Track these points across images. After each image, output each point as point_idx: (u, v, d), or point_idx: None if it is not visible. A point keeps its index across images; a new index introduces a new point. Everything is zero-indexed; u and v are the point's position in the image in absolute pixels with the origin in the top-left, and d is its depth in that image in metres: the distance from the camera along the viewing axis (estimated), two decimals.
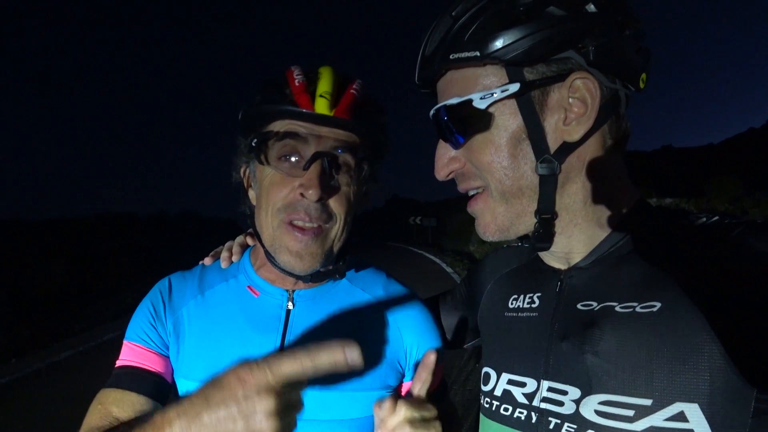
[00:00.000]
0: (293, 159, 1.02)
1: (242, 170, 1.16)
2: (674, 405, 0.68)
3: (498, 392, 0.96)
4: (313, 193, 0.99)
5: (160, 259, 18.45)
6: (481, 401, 1.02)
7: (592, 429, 0.76)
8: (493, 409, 0.96)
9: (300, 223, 1.02)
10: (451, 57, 0.82)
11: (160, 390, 1.09)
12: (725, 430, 0.65)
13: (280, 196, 1.02)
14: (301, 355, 0.76)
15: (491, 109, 0.81)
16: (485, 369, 1.03)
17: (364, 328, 1.14)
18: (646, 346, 0.72)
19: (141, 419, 0.85)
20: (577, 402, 0.80)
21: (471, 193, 0.91)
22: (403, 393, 1.19)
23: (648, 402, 0.71)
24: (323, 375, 1.05)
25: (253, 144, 1.03)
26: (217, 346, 1.09)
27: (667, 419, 0.69)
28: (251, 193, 1.14)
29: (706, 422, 0.66)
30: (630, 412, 0.72)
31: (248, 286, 1.15)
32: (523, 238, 0.91)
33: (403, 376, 1.17)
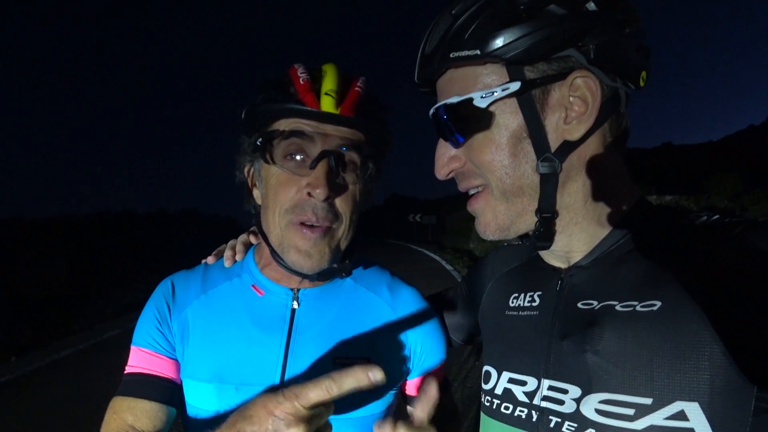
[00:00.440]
0: (299, 158, 1.01)
1: (246, 169, 1.15)
2: (674, 404, 0.68)
3: (499, 391, 0.96)
4: (320, 193, 0.98)
5: (160, 257, 18.45)
6: (482, 400, 1.02)
7: (592, 428, 0.76)
8: (494, 407, 0.96)
9: (308, 223, 1.02)
10: (451, 55, 0.81)
11: (173, 394, 1.10)
12: (726, 429, 0.65)
13: (288, 196, 1.02)
14: (326, 381, 0.77)
15: (492, 108, 0.81)
16: (486, 367, 1.03)
17: (368, 326, 1.14)
18: (646, 344, 0.72)
19: None
20: (578, 401, 0.80)
21: (471, 192, 0.91)
22: (406, 391, 1.20)
23: (648, 401, 0.71)
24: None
25: (258, 143, 1.02)
26: (222, 346, 1.09)
27: (668, 418, 0.69)
28: (256, 193, 1.14)
29: (706, 421, 0.66)
30: (630, 411, 0.72)
31: (252, 285, 1.15)
32: (524, 236, 0.91)
33: (407, 373, 1.17)
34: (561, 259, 0.93)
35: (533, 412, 0.88)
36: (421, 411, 0.85)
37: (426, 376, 1.17)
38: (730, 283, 0.67)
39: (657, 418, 0.70)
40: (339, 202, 1.04)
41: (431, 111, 0.88)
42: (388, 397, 1.12)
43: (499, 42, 0.77)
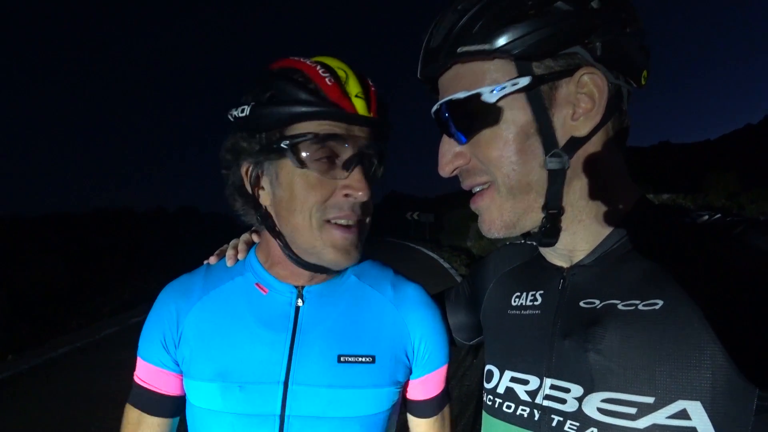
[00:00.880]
0: (330, 160, 1.00)
1: (245, 170, 1.08)
2: (676, 403, 0.68)
3: (501, 390, 0.96)
4: (363, 195, 1.00)
5: (158, 256, 18.44)
6: (484, 398, 1.02)
7: (594, 427, 0.77)
8: (496, 406, 0.96)
9: (344, 222, 1.02)
10: (458, 50, 0.81)
11: (177, 407, 1.17)
12: (727, 428, 0.65)
13: (321, 197, 1.00)
14: None
15: (500, 104, 0.81)
16: (488, 366, 1.03)
17: (372, 324, 1.14)
18: (648, 343, 0.73)
19: None
20: (580, 400, 0.80)
21: (476, 189, 0.90)
22: (408, 394, 1.21)
23: (650, 400, 0.71)
24: (333, 372, 1.04)
25: (284, 145, 0.98)
26: (225, 345, 1.09)
27: (670, 417, 0.69)
28: (263, 194, 1.08)
29: (708, 420, 0.66)
30: (632, 410, 0.72)
31: (256, 284, 1.14)
32: (526, 235, 0.91)
33: (410, 372, 1.17)
34: (563, 258, 0.93)
35: (535, 411, 0.88)
36: None
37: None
38: (731, 283, 0.66)
39: (659, 417, 0.70)
40: (368, 200, 1.04)
41: (435, 108, 0.87)
42: (392, 396, 1.12)
43: (507, 37, 0.77)
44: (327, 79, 0.97)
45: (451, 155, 0.87)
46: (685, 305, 0.71)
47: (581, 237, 0.88)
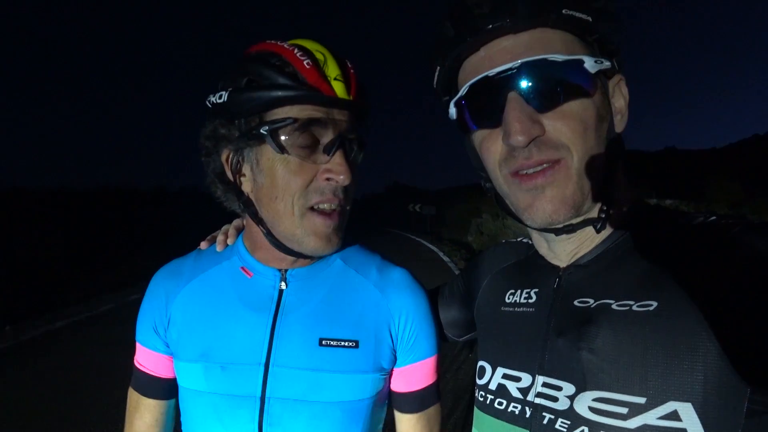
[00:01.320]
0: (311, 144, 1.00)
1: (225, 157, 1.07)
2: (668, 404, 0.69)
3: (493, 386, 0.97)
4: (344, 178, 0.99)
5: (158, 234, 18.46)
6: (476, 395, 1.02)
7: (585, 425, 0.77)
8: (488, 402, 0.97)
9: (326, 207, 1.02)
10: (564, 11, 0.78)
11: (171, 389, 1.21)
12: (718, 430, 0.66)
13: (302, 183, 1.00)
14: None
15: (595, 78, 0.81)
16: (480, 363, 1.04)
17: (356, 309, 1.13)
18: (641, 344, 0.73)
19: None
20: (572, 398, 0.80)
21: (539, 167, 0.81)
22: (392, 386, 1.18)
23: (642, 400, 0.71)
24: (314, 355, 1.04)
25: (263, 131, 0.97)
26: (209, 327, 1.11)
27: (661, 418, 0.69)
28: (245, 182, 1.07)
29: (699, 422, 0.67)
30: (624, 410, 0.73)
31: (242, 267, 1.16)
32: (577, 225, 0.87)
33: (395, 359, 1.16)
34: (562, 257, 0.93)
35: (527, 408, 0.88)
36: None
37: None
38: (726, 284, 0.67)
39: (650, 417, 0.70)
40: (350, 183, 1.03)
41: (514, 64, 0.78)
42: (377, 383, 1.12)
43: (605, 19, 0.80)
44: (305, 62, 0.96)
45: (529, 121, 0.78)
46: (679, 307, 0.71)
47: (587, 235, 0.88)
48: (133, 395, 1.22)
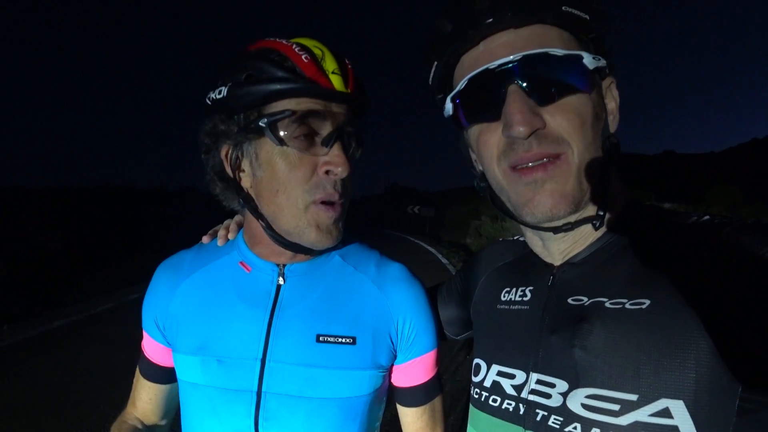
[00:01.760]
0: (310, 137, 1.01)
1: (225, 152, 1.07)
2: (659, 401, 0.69)
3: (487, 383, 0.97)
4: (342, 170, 1.00)
5: (157, 233, 18.44)
6: (471, 392, 1.03)
7: (578, 422, 0.78)
8: (483, 399, 0.97)
9: (329, 200, 1.03)
10: (563, 8, 0.79)
11: (167, 375, 1.25)
12: (709, 428, 0.67)
13: (304, 176, 1.01)
14: None
15: (592, 75, 0.82)
16: (476, 360, 1.04)
17: (354, 305, 1.14)
18: (634, 342, 0.74)
19: None
20: (565, 395, 0.81)
21: (539, 161, 0.81)
22: (395, 374, 1.19)
23: (634, 397, 0.72)
24: (311, 351, 1.05)
25: (262, 124, 0.99)
26: (207, 320, 1.12)
27: (652, 415, 0.70)
28: (245, 178, 1.08)
29: (690, 419, 0.67)
30: (616, 407, 0.73)
31: (240, 262, 1.17)
32: (575, 222, 0.87)
33: (395, 356, 1.16)
34: (557, 256, 0.94)
35: (521, 405, 0.89)
36: None
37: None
38: (719, 283, 0.68)
39: (642, 414, 0.71)
40: (348, 177, 1.04)
41: (516, 56, 0.79)
42: (375, 380, 1.12)
43: (601, 19, 0.82)
44: (303, 57, 0.98)
45: (531, 113, 0.79)
46: (671, 306, 0.72)
47: (582, 234, 0.89)
48: (137, 372, 1.30)
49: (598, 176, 0.83)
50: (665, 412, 0.69)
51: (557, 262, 0.94)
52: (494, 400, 0.94)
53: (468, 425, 1.03)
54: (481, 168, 0.96)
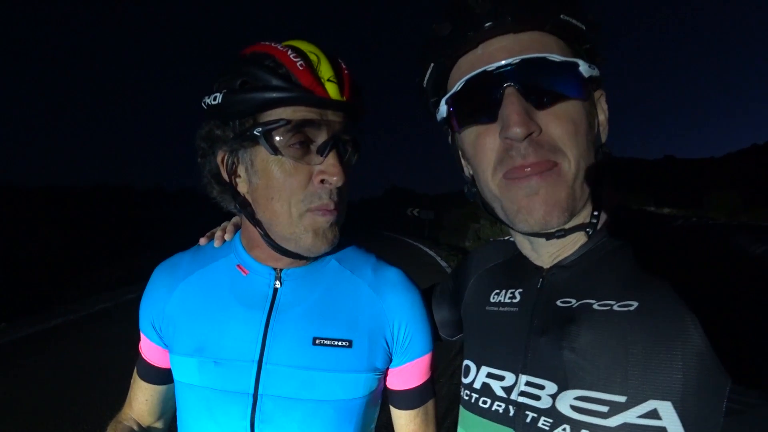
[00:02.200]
0: (305, 145, 1.00)
1: (221, 158, 1.08)
2: (648, 402, 0.70)
3: (477, 385, 0.98)
4: (338, 180, 1.00)
5: (155, 234, 18.45)
6: (461, 393, 1.03)
7: (567, 424, 0.78)
8: (472, 401, 0.98)
9: (326, 209, 1.03)
10: (561, 17, 0.81)
11: (164, 377, 1.25)
12: (698, 429, 0.67)
13: (299, 185, 1.00)
14: None
15: (587, 83, 0.83)
16: (465, 361, 1.05)
17: (350, 309, 1.14)
18: (622, 343, 0.74)
19: None
20: (554, 396, 0.81)
21: (531, 168, 0.81)
22: (390, 377, 1.19)
23: (622, 399, 0.72)
24: (307, 354, 1.05)
25: (257, 132, 0.98)
26: (204, 322, 1.12)
27: (641, 416, 0.70)
28: (240, 183, 1.09)
29: (678, 420, 0.68)
30: (604, 408, 0.74)
31: (238, 265, 1.17)
32: (568, 229, 0.88)
33: (390, 360, 1.16)
34: (546, 259, 0.94)
35: (510, 406, 0.89)
36: None
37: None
38: (707, 282, 0.68)
39: (630, 415, 0.71)
40: (344, 184, 1.04)
41: (514, 60, 0.80)
42: (371, 382, 1.12)
43: (593, 30, 0.83)
44: (298, 64, 0.97)
45: (527, 115, 0.79)
46: (659, 307, 0.72)
47: (572, 239, 0.90)
48: (134, 373, 1.30)
49: (592, 184, 0.85)
50: (653, 414, 0.69)
51: (546, 265, 0.94)
52: (484, 402, 0.95)
53: (458, 427, 1.03)
54: (471, 172, 0.97)
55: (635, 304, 0.75)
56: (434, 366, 1.23)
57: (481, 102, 0.84)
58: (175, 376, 1.16)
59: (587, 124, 0.83)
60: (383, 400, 1.23)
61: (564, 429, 0.78)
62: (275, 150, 0.99)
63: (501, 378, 0.93)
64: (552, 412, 0.81)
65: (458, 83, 0.86)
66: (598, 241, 0.88)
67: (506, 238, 1.17)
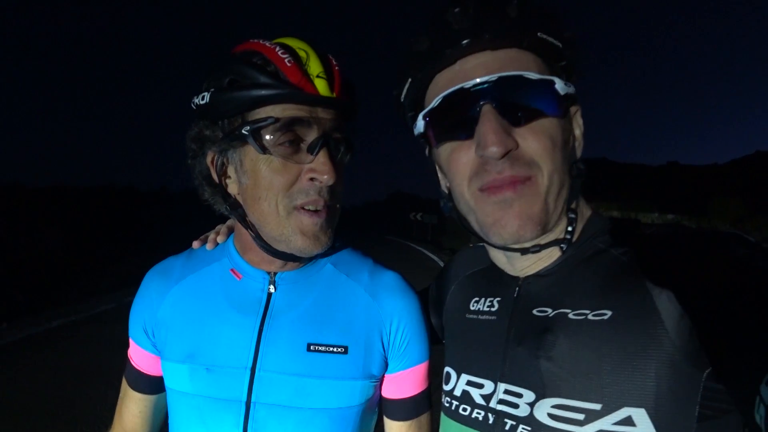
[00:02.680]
0: (294, 144, 0.98)
1: (210, 159, 1.06)
2: (622, 410, 0.71)
3: (458, 392, 0.98)
4: (328, 178, 0.97)
5: (159, 235, 18.48)
6: (442, 400, 1.04)
7: (544, 431, 0.79)
8: (453, 408, 0.98)
9: (312, 207, 1.00)
10: (538, 35, 0.82)
11: (156, 385, 1.21)
12: None
13: (287, 183, 0.98)
14: None
15: (562, 100, 0.85)
16: (446, 369, 1.05)
17: (346, 314, 1.11)
18: (597, 352, 0.75)
19: None
20: (532, 405, 0.82)
21: (507, 181, 0.82)
22: (383, 385, 1.16)
23: (597, 406, 0.73)
24: (302, 361, 1.04)
25: (245, 131, 0.96)
26: (196, 328, 1.10)
27: (616, 423, 0.71)
28: (231, 184, 1.07)
29: (652, 426, 0.69)
30: (580, 416, 0.75)
31: (231, 269, 1.14)
32: (543, 245, 0.90)
33: (386, 366, 1.14)
34: (521, 271, 0.95)
35: (489, 414, 0.90)
36: None
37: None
38: (677, 288, 0.71)
39: (606, 423, 0.72)
40: (336, 183, 1.01)
41: (491, 77, 0.81)
42: (367, 390, 1.10)
43: (569, 47, 0.85)
44: (286, 60, 0.95)
45: (504, 134, 0.80)
46: (631, 315, 0.74)
47: (546, 252, 0.91)
48: (123, 384, 1.25)
49: (566, 198, 0.86)
50: (628, 420, 0.71)
51: (521, 274, 0.95)
52: (464, 409, 0.95)
53: None
54: (447, 186, 0.98)
55: (609, 313, 0.77)
56: (431, 378, 1.19)
57: (458, 118, 0.86)
58: (167, 382, 1.13)
59: (563, 140, 0.85)
60: (380, 408, 1.19)
61: None
62: (264, 149, 0.97)
63: (480, 386, 0.94)
64: (530, 420, 0.82)
65: (436, 99, 0.87)
66: (572, 251, 0.90)
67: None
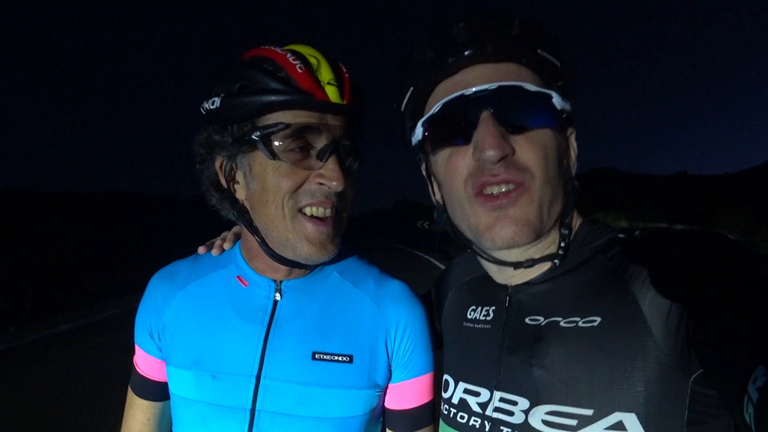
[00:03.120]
0: (304, 150, 0.98)
1: (219, 164, 1.06)
2: (613, 415, 0.73)
3: (455, 400, 0.99)
4: (337, 185, 0.97)
5: (166, 240, 18.56)
6: (441, 407, 1.05)
7: None
8: (451, 416, 0.99)
9: (318, 212, 1.00)
10: (538, 51, 0.85)
11: (163, 392, 1.19)
12: None
13: (294, 185, 0.98)
14: None
15: (559, 115, 0.88)
16: (445, 376, 1.06)
17: (352, 323, 1.10)
18: (588, 359, 0.77)
19: None
20: (526, 412, 0.84)
21: (501, 189, 0.85)
22: (386, 396, 1.14)
23: (589, 412, 0.75)
24: (307, 369, 1.03)
25: (255, 137, 0.96)
26: (202, 335, 1.09)
27: (608, 428, 0.73)
28: (239, 189, 1.07)
29: (643, 431, 0.71)
30: (573, 422, 0.76)
31: (237, 277, 1.14)
32: (538, 259, 0.92)
33: (390, 376, 1.13)
34: (511, 281, 0.96)
35: (486, 422, 0.91)
36: None
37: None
38: (664, 290, 0.72)
39: (598, 428, 0.74)
40: (345, 189, 1.01)
41: (491, 85, 0.83)
42: (371, 400, 1.08)
43: (567, 69, 0.88)
44: (297, 67, 0.95)
45: (501, 139, 0.82)
46: (619, 321, 0.76)
47: (538, 266, 0.93)
48: (129, 392, 1.23)
49: (560, 208, 0.89)
50: (619, 425, 0.72)
51: (511, 283, 0.97)
52: (462, 417, 0.97)
53: None
54: (441, 197, 1.00)
55: (598, 319, 0.78)
56: (435, 391, 1.16)
57: (456, 124, 0.88)
58: (171, 388, 1.13)
59: (557, 153, 0.87)
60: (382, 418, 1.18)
61: None
62: (273, 155, 0.97)
63: (477, 394, 0.95)
64: (525, 427, 0.83)
65: (436, 106, 0.89)
66: (562, 258, 0.92)
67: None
